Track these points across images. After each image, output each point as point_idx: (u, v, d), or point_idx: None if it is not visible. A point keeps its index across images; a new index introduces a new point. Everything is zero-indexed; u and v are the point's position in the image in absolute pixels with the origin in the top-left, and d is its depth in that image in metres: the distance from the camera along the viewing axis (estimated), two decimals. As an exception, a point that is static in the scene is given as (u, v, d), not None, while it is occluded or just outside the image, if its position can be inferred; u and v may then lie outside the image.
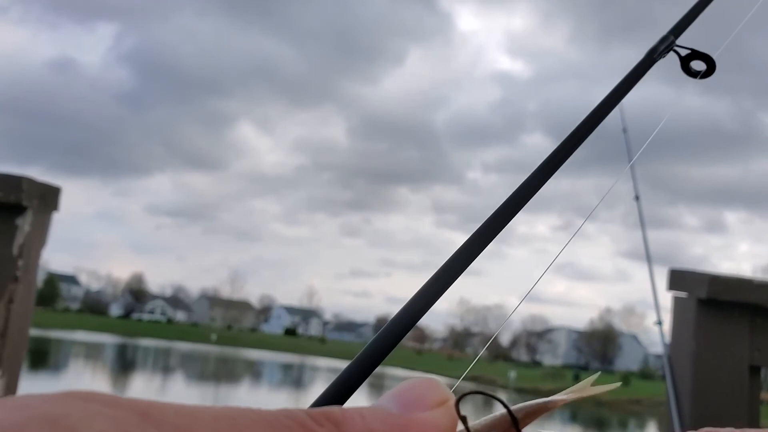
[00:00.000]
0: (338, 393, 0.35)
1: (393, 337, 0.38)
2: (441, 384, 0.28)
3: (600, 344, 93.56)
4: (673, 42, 0.52)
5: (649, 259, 2.55)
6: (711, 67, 0.52)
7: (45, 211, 1.94)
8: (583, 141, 0.51)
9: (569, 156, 0.51)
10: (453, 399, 0.28)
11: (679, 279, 2.26)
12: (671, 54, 0.52)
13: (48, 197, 1.93)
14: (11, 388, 1.91)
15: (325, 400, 0.34)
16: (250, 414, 0.24)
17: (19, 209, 1.86)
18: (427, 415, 0.26)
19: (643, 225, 2.62)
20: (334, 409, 0.26)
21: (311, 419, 0.25)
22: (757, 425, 1.94)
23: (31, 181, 1.86)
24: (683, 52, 0.52)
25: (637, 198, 2.64)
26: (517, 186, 0.50)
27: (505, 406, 0.29)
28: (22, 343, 1.95)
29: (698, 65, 0.52)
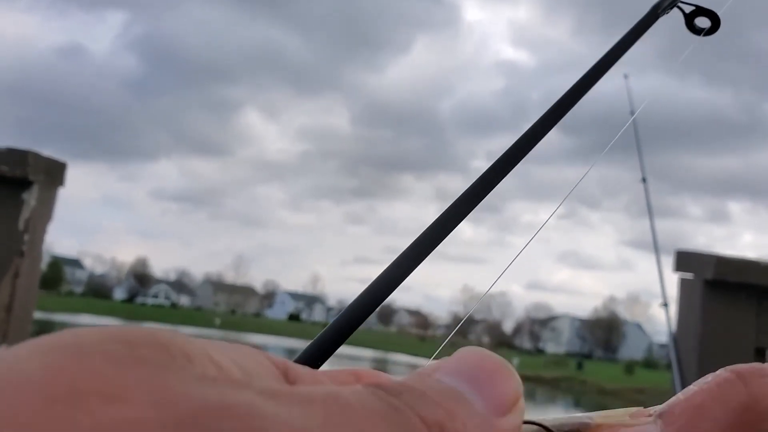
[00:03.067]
0: (312, 358, 0.35)
1: (364, 309, 0.38)
2: (509, 369, 0.26)
3: (604, 332, 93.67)
4: (677, -3, 0.51)
5: (655, 240, 2.55)
6: (716, 23, 0.51)
7: (51, 186, 1.94)
8: (581, 97, 0.51)
9: (567, 112, 0.50)
10: (521, 393, 0.26)
11: (685, 260, 2.26)
12: (675, 11, 0.52)
13: (54, 172, 1.94)
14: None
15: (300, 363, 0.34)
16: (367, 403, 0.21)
17: (25, 184, 1.86)
18: (512, 421, 0.25)
19: (650, 207, 2.61)
20: (442, 416, 0.23)
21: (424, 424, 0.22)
22: None
23: (37, 156, 1.86)
24: (687, 9, 0.51)
25: (644, 180, 2.63)
26: (515, 140, 0.49)
27: (547, 429, 0.29)
28: (27, 318, 1.96)
29: (703, 22, 0.51)
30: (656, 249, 2.50)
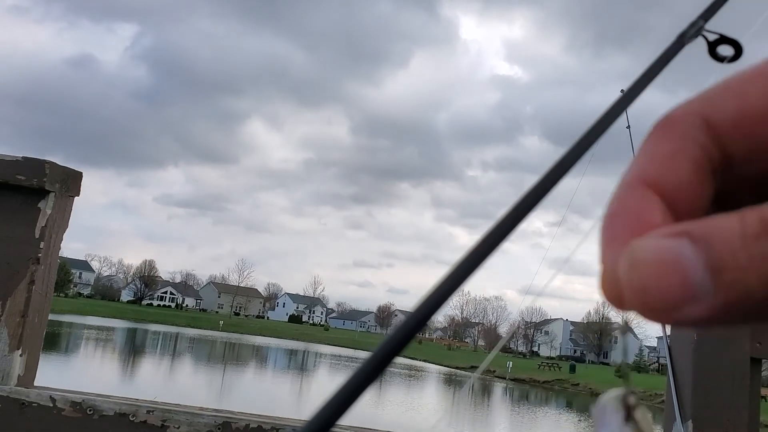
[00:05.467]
0: (347, 398, 0.33)
1: (406, 336, 0.36)
2: None
3: (595, 337, 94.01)
4: (702, 27, 0.52)
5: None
6: (738, 52, 0.52)
7: (66, 195, 1.96)
8: (609, 126, 0.50)
9: (594, 142, 0.49)
10: None
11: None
12: (699, 39, 0.53)
13: (70, 182, 1.96)
14: (31, 367, 1.94)
15: (327, 412, 0.32)
16: None
17: (41, 193, 1.88)
18: None
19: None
20: None
21: None
22: (757, 418, 1.93)
23: (54, 165, 1.88)
24: (711, 37, 0.52)
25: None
26: (539, 178, 0.48)
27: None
28: (42, 323, 1.98)
29: (726, 50, 0.52)
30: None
